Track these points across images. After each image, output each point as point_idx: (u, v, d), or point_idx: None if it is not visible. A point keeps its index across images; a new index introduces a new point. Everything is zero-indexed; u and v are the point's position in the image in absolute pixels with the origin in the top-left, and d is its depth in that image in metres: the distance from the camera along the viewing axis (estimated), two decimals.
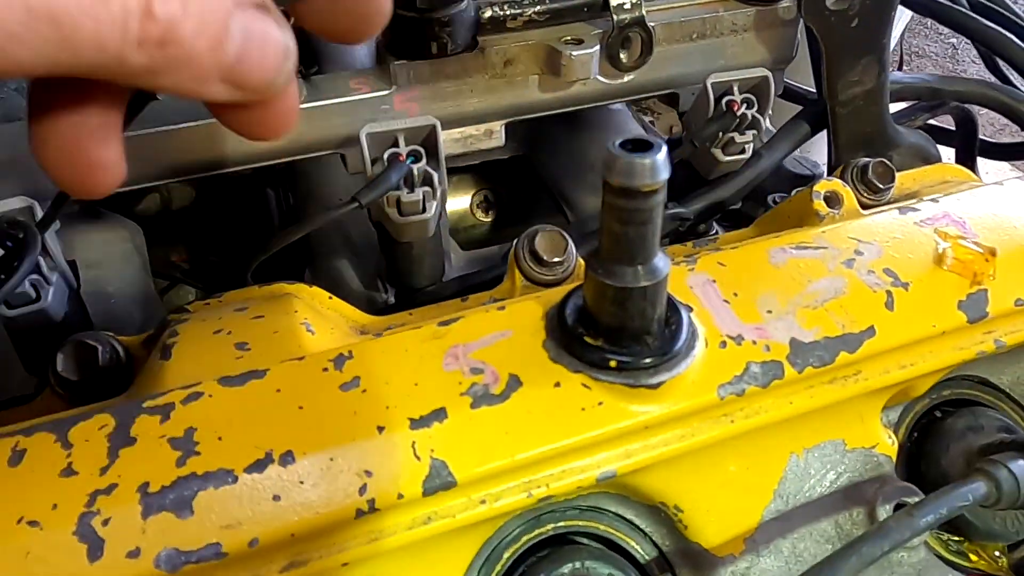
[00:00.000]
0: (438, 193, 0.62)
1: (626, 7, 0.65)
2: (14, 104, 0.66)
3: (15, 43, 0.24)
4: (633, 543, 0.49)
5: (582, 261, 0.62)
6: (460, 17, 0.61)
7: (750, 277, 0.47)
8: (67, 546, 0.33)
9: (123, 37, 0.25)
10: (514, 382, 0.41)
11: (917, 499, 0.50)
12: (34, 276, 0.55)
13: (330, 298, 0.58)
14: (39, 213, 0.55)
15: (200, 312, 0.53)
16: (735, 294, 0.46)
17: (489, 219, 1.08)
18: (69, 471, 0.36)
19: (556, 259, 0.59)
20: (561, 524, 0.48)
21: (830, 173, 0.77)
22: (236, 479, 0.36)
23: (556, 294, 0.47)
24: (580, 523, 0.48)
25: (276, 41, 0.29)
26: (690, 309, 0.44)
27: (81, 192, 0.30)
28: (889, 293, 0.46)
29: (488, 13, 0.63)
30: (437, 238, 0.72)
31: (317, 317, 0.51)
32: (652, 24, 0.66)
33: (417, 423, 0.39)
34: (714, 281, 0.46)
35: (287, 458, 0.37)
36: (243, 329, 0.47)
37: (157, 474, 0.36)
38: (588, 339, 0.42)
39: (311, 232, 0.85)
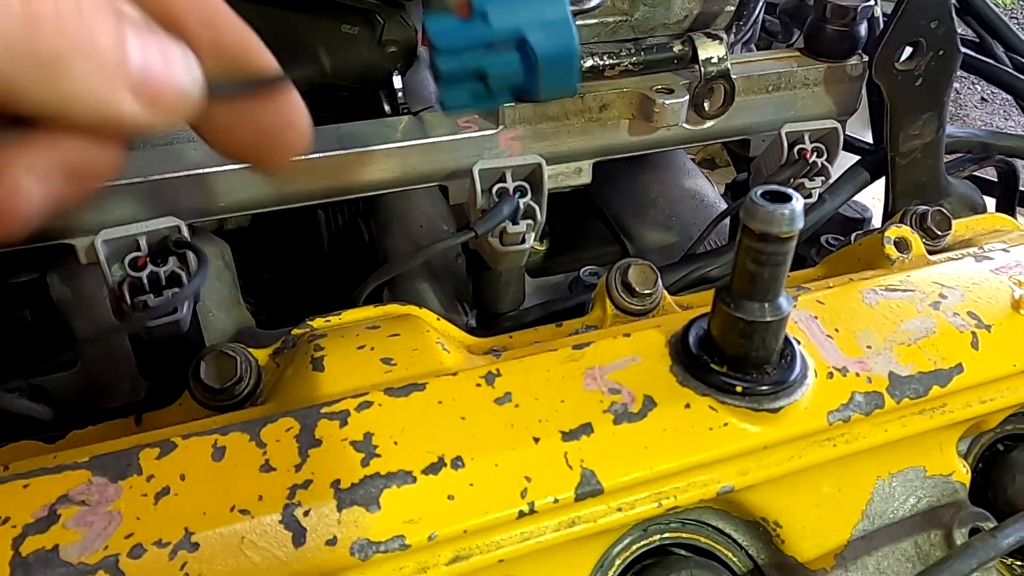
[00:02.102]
0: (538, 226, 0.67)
1: (713, 61, 0.70)
2: None
3: None
4: (731, 555, 0.53)
5: (667, 294, 0.67)
6: None
7: (847, 315, 0.52)
8: (275, 533, 0.38)
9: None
10: (649, 402, 0.45)
11: (990, 524, 0.54)
12: (175, 289, 0.60)
13: (438, 319, 0.63)
14: (185, 232, 0.60)
15: (330, 329, 0.58)
16: (836, 330, 0.50)
17: (543, 248, 1.13)
18: (268, 467, 0.40)
19: (647, 291, 0.64)
20: (667, 535, 0.52)
21: (886, 219, 0.82)
22: (415, 479, 0.40)
23: (672, 323, 0.52)
24: (683, 535, 0.52)
25: (176, 60, 0.28)
26: (798, 342, 0.49)
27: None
28: (974, 334, 0.51)
29: (589, 62, 0.68)
30: (523, 268, 0.77)
31: (442, 336, 0.56)
32: (734, 76, 0.72)
33: (568, 436, 0.43)
34: (816, 317, 0.51)
35: (458, 462, 0.41)
36: (384, 345, 0.51)
37: (345, 472, 0.40)
38: (714, 366, 0.46)
39: (390, 255, 0.91)
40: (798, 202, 0.41)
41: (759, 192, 0.42)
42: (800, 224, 0.41)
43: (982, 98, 3.98)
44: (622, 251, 1.00)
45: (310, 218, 1.11)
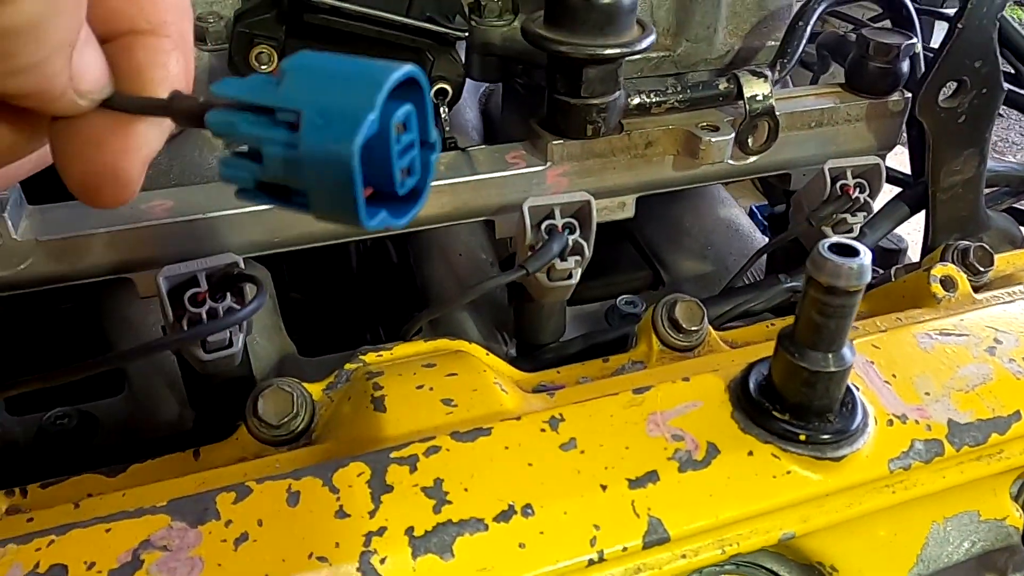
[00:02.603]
0: (585, 261, 0.68)
1: (758, 98, 0.71)
2: (197, 165, 0.73)
3: None
4: None
5: (712, 329, 0.67)
6: (614, 104, 0.67)
7: (904, 360, 0.52)
8: None
9: None
10: (713, 449, 0.46)
11: None
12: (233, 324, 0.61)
13: (488, 355, 0.63)
14: (242, 266, 0.61)
15: (384, 365, 0.59)
16: (893, 375, 0.51)
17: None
18: (342, 513, 0.41)
19: (694, 328, 0.65)
20: None
21: (925, 253, 0.83)
22: (487, 527, 0.41)
23: (729, 365, 0.52)
24: None
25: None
26: (857, 388, 0.49)
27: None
28: None
29: (636, 100, 0.69)
30: (565, 300, 0.77)
31: (499, 376, 0.56)
32: (777, 112, 0.72)
33: (634, 483, 0.44)
34: (872, 363, 0.52)
35: (527, 510, 0.42)
36: (444, 386, 0.52)
37: (419, 519, 0.41)
38: (776, 413, 0.47)
39: (430, 285, 0.91)
40: (866, 256, 0.42)
41: (827, 245, 0.42)
42: (867, 278, 0.42)
43: (998, 113, 3.97)
44: (655, 277, 1.01)
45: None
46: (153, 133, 0.29)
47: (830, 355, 0.44)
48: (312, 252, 1.10)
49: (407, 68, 0.27)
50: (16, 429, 0.69)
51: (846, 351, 0.45)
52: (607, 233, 1.07)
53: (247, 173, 0.28)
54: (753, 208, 1.38)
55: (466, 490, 0.42)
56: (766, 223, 1.15)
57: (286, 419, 0.56)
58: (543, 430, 0.46)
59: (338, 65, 0.27)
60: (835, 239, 0.42)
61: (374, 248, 1.15)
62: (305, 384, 0.59)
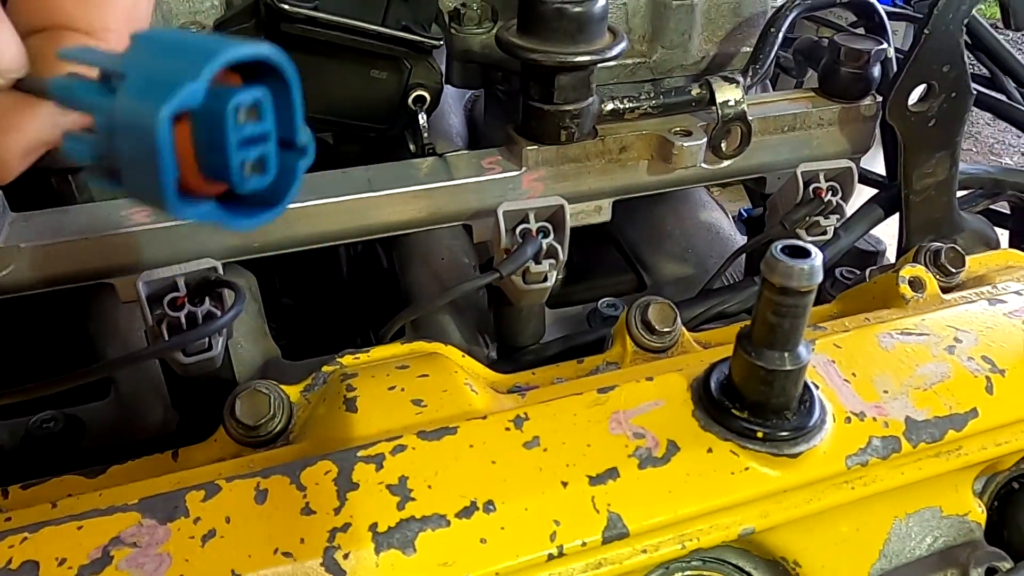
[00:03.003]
0: (559, 265, 0.69)
1: (730, 103, 0.72)
2: None
3: None
4: None
5: (685, 330, 0.69)
6: (587, 110, 0.68)
7: (864, 359, 0.53)
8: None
9: None
10: (672, 447, 0.47)
11: (1006, 563, 0.55)
12: (212, 328, 0.62)
13: (463, 357, 0.64)
14: (221, 272, 0.62)
15: (359, 367, 0.60)
16: (853, 374, 0.52)
17: (560, 276, 1.14)
18: (308, 510, 0.42)
19: (666, 329, 0.66)
20: (688, 573, 0.53)
21: (900, 254, 0.84)
22: (449, 523, 0.42)
23: (694, 366, 0.53)
24: (704, 573, 0.54)
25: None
26: (816, 386, 0.51)
27: None
28: (988, 379, 0.53)
29: (610, 106, 0.71)
30: (543, 303, 0.79)
31: (468, 376, 0.58)
32: (750, 118, 0.74)
33: (595, 480, 0.45)
34: (833, 362, 0.53)
35: (489, 506, 0.43)
36: (414, 386, 0.53)
37: (383, 516, 0.42)
38: (735, 411, 0.48)
39: (413, 289, 0.93)
40: (817, 257, 0.43)
41: (779, 247, 0.43)
42: (819, 278, 0.43)
43: (985, 122, 3.98)
44: (638, 281, 1.02)
45: (330, 248, 1.13)
46: (41, 123, 0.29)
47: (786, 354, 0.45)
48: (302, 258, 1.12)
49: (256, 48, 0.25)
50: (2, 433, 0.71)
51: (801, 350, 0.46)
52: (591, 237, 1.09)
53: (83, 146, 0.26)
54: (742, 211, 1.39)
55: (430, 487, 0.44)
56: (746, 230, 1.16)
57: (263, 420, 0.57)
58: (508, 429, 0.47)
59: (186, 39, 0.25)
60: (787, 241, 0.44)
61: (364, 254, 1.16)
62: (283, 386, 0.60)
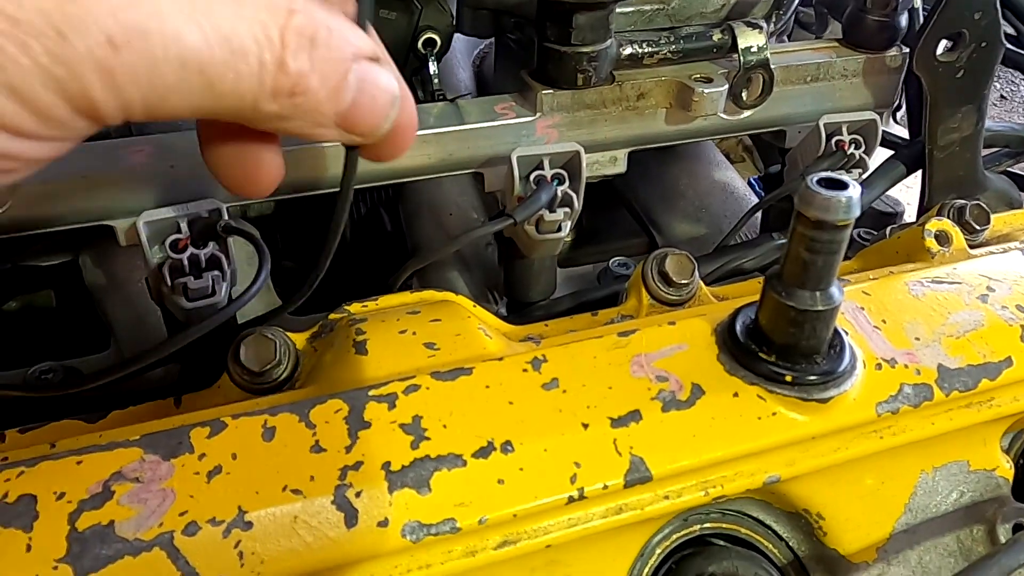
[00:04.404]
0: (574, 214, 0.67)
1: (753, 50, 0.69)
2: None
3: (171, 93, 0.28)
4: (771, 546, 0.52)
5: (703, 284, 0.66)
6: (605, 53, 0.66)
7: (894, 306, 0.51)
8: (328, 513, 0.38)
9: (259, 88, 0.29)
10: (697, 390, 0.45)
11: None
12: (215, 272, 0.60)
13: (474, 306, 0.62)
14: (226, 214, 0.60)
15: (368, 314, 0.58)
16: (884, 321, 0.50)
17: (570, 238, 1.12)
18: (318, 448, 0.40)
19: (683, 280, 0.64)
20: (707, 525, 0.52)
21: (921, 213, 0.82)
22: (465, 463, 0.40)
23: (716, 312, 0.51)
24: (724, 525, 0.52)
25: (386, 90, 0.33)
26: (846, 332, 0.49)
27: (251, 194, 0.38)
28: (1023, 327, 0.51)
29: (628, 50, 0.68)
30: (555, 257, 0.77)
31: (483, 323, 0.56)
32: (772, 66, 0.71)
33: (616, 422, 0.43)
34: (863, 308, 0.51)
35: (507, 447, 0.41)
36: (427, 330, 0.51)
37: (396, 455, 0.40)
38: (762, 355, 0.46)
39: (421, 244, 0.90)
40: (855, 189, 0.41)
41: (815, 179, 0.41)
42: (857, 212, 0.41)
43: (1001, 96, 3.94)
44: (650, 243, 1.00)
45: (332, 206, 1.11)
46: None
47: (818, 293, 0.43)
48: (305, 221, 1.10)
49: None
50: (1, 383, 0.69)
51: (834, 290, 0.44)
52: (601, 199, 1.07)
53: None
54: (752, 181, 1.37)
55: (445, 427, 0.42)
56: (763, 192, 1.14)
57: (268, 367, 0.55)
58: (525, 370, 0.45)
59: None
60: (824, 173, 0.41)
61: (368, 217, 1.13)
62: (289, 333, 0.58)
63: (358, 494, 0.39)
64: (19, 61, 0.25)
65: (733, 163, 1.74)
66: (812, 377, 0.45)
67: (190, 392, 0.58)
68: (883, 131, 0.96)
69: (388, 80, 0.33)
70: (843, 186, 0.41)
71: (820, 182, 0.41)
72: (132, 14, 0.26)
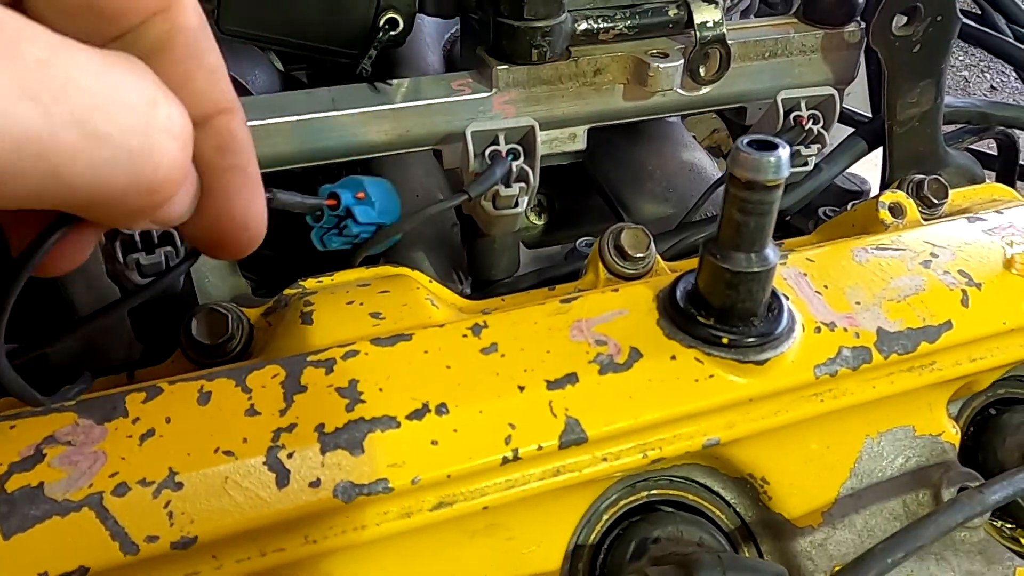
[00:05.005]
0: (531, 190, 0.67)
1: (709, 25, 0.70)
2: None
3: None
4: (719, 512, 0.53)
5: (659, 258, 0.67)
6: (559, 28, 0.66)
7: (837, 272, 0.52)
8: (259, 474, 0.38)
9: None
10: (635, 354, 0.45)
11: (978, 484, 0.54)
12: (168, 248, 0.60)
13: (430, 282, 0.63)
14: None
15: (321, 287, 0.58)
16: (825, 286, 0.50)
17: (542, 222, 1.12)
18: (252, 411, 0.40)
19: (639, 254, 0.64)
20: (654, 492, 0.52)
21: (883, 188, 0.82)
22: (399, 425, 0.41)
23: (661, 281, 0.51)
24: (671, 492, 0.52)
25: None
26: (787, 297, 0.49)
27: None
28: (964, 292, 0.51)
29: (583, 26, 0.68)
30: (516, 234, 0.77)
31: (432, 295, 0.56)
32: (730, 42, 0.71)
33: (553, 385, 0.43)
34: (805, 274, 0.51)
35: (442, 409, 0.41)
36: (374, 301, 0.52)
37: (330, 417, 0.40)
38: (700, 318, 0.46)
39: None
40: (784, 150, 0.41)
41: (745, 141, 0.41)
42: (786, 172, 0.41)
43: (992, 86, 3.95)
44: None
45: (311, 193, 1.11)
46: None
47: (752, 255, 0.44)
48: (282, 211, 1.09)
49: None
50: None
51: (769, 252, 0.44)
52: (574, 183, 1.07)
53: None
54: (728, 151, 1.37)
55: (381, 390, 0.42)
56: None
57: (221, 340, 0.56)
58: (465, 336, 0.46)
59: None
60: (754, 136, 0.42)
61: None
62: (245, 309, 0.59)
63: (290, 455, 0.39)
64: None
65: (723, 155, 1.74)
66: (749, 340, 0.46)
67: (142, 367, 0.58)
68: (844, 108, 0.96)
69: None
70: (773, 147, 0.41)
71: (751, 144, 0.41)
72: None
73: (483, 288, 0.79)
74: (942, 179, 0.74)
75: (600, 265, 0.64)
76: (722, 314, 0.46)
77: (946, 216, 0.74)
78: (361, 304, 0.52)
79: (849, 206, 0.80)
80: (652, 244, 0.65)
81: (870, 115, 0.90)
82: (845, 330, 0.48)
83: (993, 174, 0.99)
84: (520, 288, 0.75)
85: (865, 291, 0.50)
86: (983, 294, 0.51)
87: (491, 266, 0.77)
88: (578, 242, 0.89)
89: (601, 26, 0.69)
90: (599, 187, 1.03)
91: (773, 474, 0.50)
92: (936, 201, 0.73)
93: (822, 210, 0.88)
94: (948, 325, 0.50)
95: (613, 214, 1.01)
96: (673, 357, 0.45)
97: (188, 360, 0.56)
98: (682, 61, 0.69)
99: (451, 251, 0.85)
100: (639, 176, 0.98)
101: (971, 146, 0.93)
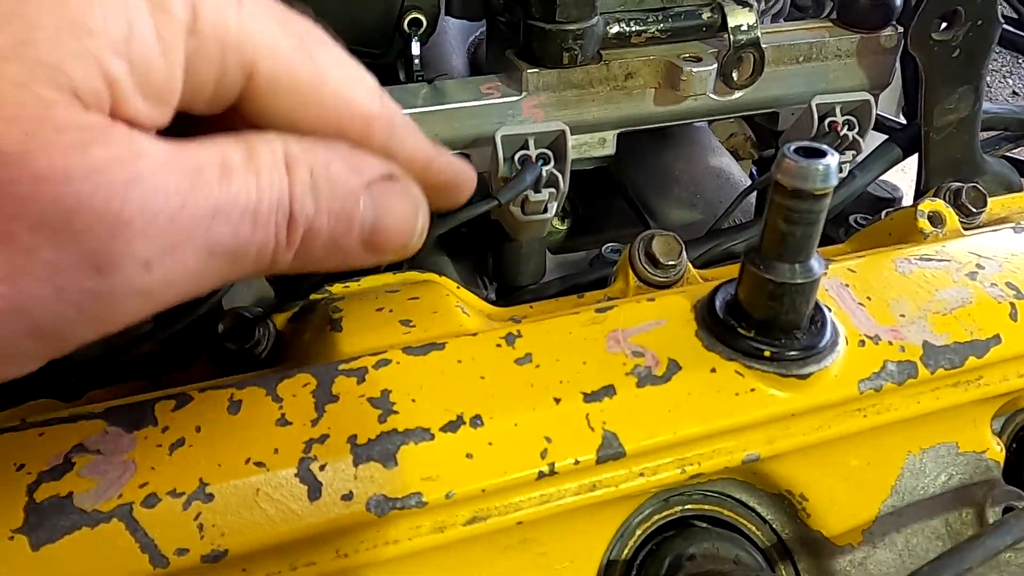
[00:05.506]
0: (560, 195, 0.66)
1: (743, 28, 0.68)
2: None
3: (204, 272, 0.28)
4: (755, 528, 0.51)
5: (691, 265, 0.65)
6: (591, 31, 0.65)
7: (880, 284, 0.50)
8: (290, 486, 0.37)
9: (276, 249, 0.29)
10: (674, 366, 0.44)
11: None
12: None
13: (458, 288, 0.62)
14: None
15: (348, 293, 0.57)
16: (868, 298, 0.49)
17: (565, 227, 1.11)
18: (284, 421, 0.39)
19: (671, 262, 0.63)
20: (688, 507, 0.51)
21: (919, 196, 0.80)
22: (433, 437, 0.40)
23: (697, 290, 0.50)
24: (706, 507, 0.51)
25: (405, 207, 0.33)
26: (829, 309, 0.48)
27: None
28: (1012, 305, 0.50)
29: (615, 28, 0.67)
30: (544, 239, 0.76)
31: (462, 302, 0.55)
32: (764, 46, 0.70)
33: (590, 397, 0.42)
34: (847, 285, 0.50)
35: (476, 421, 0.40)
36: (404, 307, 0.51)
37: (363, 428, 0.39)
38: (741, 330, 0.45)
39: None
40: (833, 157, 0.40)
41: (792, 148, 0.40)
42: (835, 181, 0.40)
43: (1013, 92, 3.90)
44: (645, 230, 0.99)
45: None
46: None
47: (796, 266, 0.42)
48: None
49: None
50: None
51: (814, 263, 0.43)
52: (598, 187, 1.05)
53: None
54: (757, 156, 1.35)
55: (414, 401, 0.41)
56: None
57: (248, 346, 0.55)
58: (499, 345, 0.45)
59: None
60: (800, 142, 0.40)
61: None
62: (270, 313, 0.58)
63: (322, 467, 0.38)
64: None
65: (740, 159, 1.72)
66: (792, 353, 0.44)
67: (168, 373, 0.57)
68: (881, 116, 0.95)
69: (405, 195, 0.33)
70: (821, 154, 0.40)
71: (797, 151, 0.40)
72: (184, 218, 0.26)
73: (508, 294, 0.78)
74: (980, 187, 0.73)
75: (630, 272, 0.63)
76: (764, 326, 0.44)
77: (984, 226, 0.73)
78: (391, 311, 0.51)
79: (883, 214, 0.79)
80: (684, 252, 0.63)
81: (901, 120, 0.88)
82: (890, 343, 0.47)
83: None
84: (547, 295, 0.74)
85: (910, 303, 0.49)
86: None
87: (517, 272, 0.76)
88: (603, 248, 0.88)
89: (633, 29, 0.67)
90: (624, 192, 1.02)
91: (812, 490, 0.49)
92: (975, 210, 0.71)
93: (853, 217, 0.86)
94: (996, 339, 0.48)
95: (638, 219, 1.00)
96: (713, 370, 0.44)
97: (214, 365, 0.56)
98: (715, 65, 0.68)
99: (476, 256, 0.84)
100: (666, 181, 0.97)
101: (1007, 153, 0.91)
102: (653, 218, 0.97)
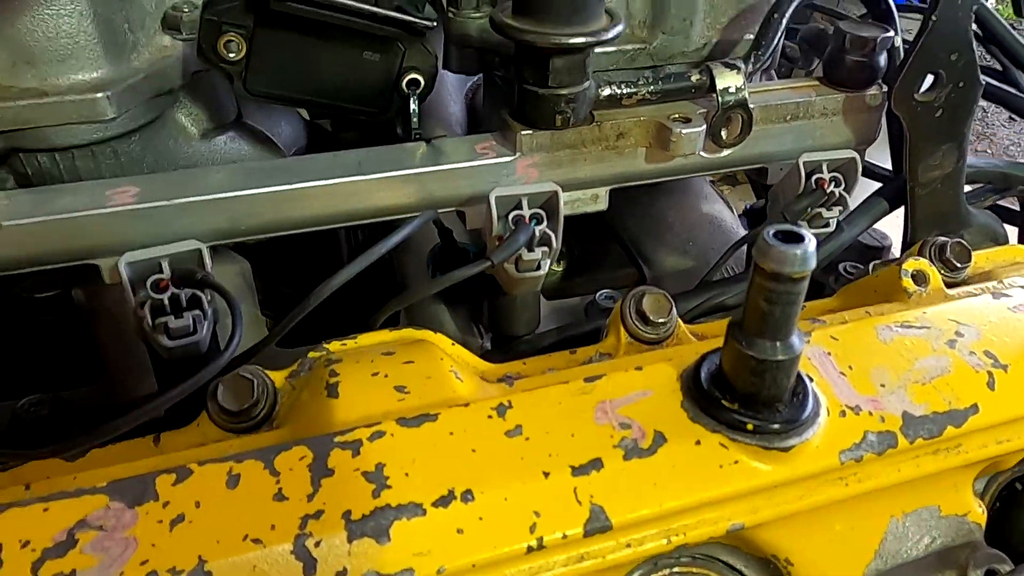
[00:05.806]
0: (553, 253, 0.67)
1: (731, 90, 0.70)
2: (171, 153, 0.73)
3: None
4: None
5: (681, 322, 0.67)
6: (583, 95, 0.67)
7: (861, 352, 0.52)
8: (286, 563, 0.38)
9: None
10: (659, 438, 0.45)
11: (1006, 565, 0.54)
12: (195, 311, 0.61)
13: (453, 345, 0.63)
14: (207, 255, 0.61)
15: (345, 353, 0.59)
16: (850, 367, 0.50)
17: (560, 269, 1.13)
18: (280, 496, 0.41)
19: (661, 319, 0.64)
20: (676, 570, 0.52)
21: (905, 249, 0.82)
22: (425, 512, 0.41)
23: (684, 355, 0.52)
24: (694, 569, 0.52)
25: None
26: (811, 379, 0.49)
27: None
28: (990, 374, 0.51)
29: (607, 91, 0.69)
30: (538, 292, 0.77)
31: (455, 364, 0.56)
32: (752, 106, 0.72)
33: (578, 471, 0.43)
34: (829, 354, 0.51)
35: (467, 496, 0.42)
36: (398, 373, 0.52)
37: (356, 503, 0.41)
38: (725, 403, 0.46)
39: (407, 278, 0.91)
40: (810, 243, 0.41)
41: (771, 232, 0.42)
42: (812, 264, 0.41)
43: (1010, 117, 3.94)
44: (639, 274, 1.00)
45: (330, 233, 1.12)
46: None
47: (778, 343, 0.44)
48: (303, 246, 1.11)
49: None
50: None
51: (794, 339, 0.44)
52: (592, 230, 1.07)
53: None
54: (747, 206, 1.37)
55: (407, 475, 0.42)
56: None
57: (247, 406, 0.56)
58: (490, 417, 0.46)
59: None
60: (780, 226, 0.42)
61: (366, 243, 1.14)
62: (269, 372, 0.59)
63: (317, 543, 0.39)
64: None
65: (737, 184, 1.73)
66: (774, 426, 0.46)
67: (170, 429, 0.58)
68: (871, 164, 0.97)
69: None
70: (799, 239, 0.41)
71: (776, 235, 0.42)
72: None
73: (504, 343, 0.79)
74: (964, 242, 0.74)
75: (622, 329, 0.65)
76: (747, 399, 0.46)
77: (969, 279, 0.74)
78: (386, 376, 0.52)
79: (871, 266, 0.81)
80: (674, 309, 0.65)
81: (890, 168, 0.90)
82: (870, 414, 0.48)
83: (1015, 229, 0.99)
84: (541, 346, 0.75)
85: (890, 372, 0.50)
86: (1009, 376, 0.51)
87: (512, 323, 0.77)
88: (597, 295, 0.90)
89: (624, 91, 0.69)
90: (618, 238, 1.04)
91: (797, 555, 0.50)
92: (959, 265, 0.73)
93: (843, 265, 0.88)
94: (974, 409, 0.50)
95: (632, 264, 1.01)
96: (698, 442, 0.45)
97: (214, 424, 0.57)
98: (704, 126, 0.70)
99: (472, 305, 0.85)
100: (659, 228, 0.99)
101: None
102: (647, 264, 0.99)
